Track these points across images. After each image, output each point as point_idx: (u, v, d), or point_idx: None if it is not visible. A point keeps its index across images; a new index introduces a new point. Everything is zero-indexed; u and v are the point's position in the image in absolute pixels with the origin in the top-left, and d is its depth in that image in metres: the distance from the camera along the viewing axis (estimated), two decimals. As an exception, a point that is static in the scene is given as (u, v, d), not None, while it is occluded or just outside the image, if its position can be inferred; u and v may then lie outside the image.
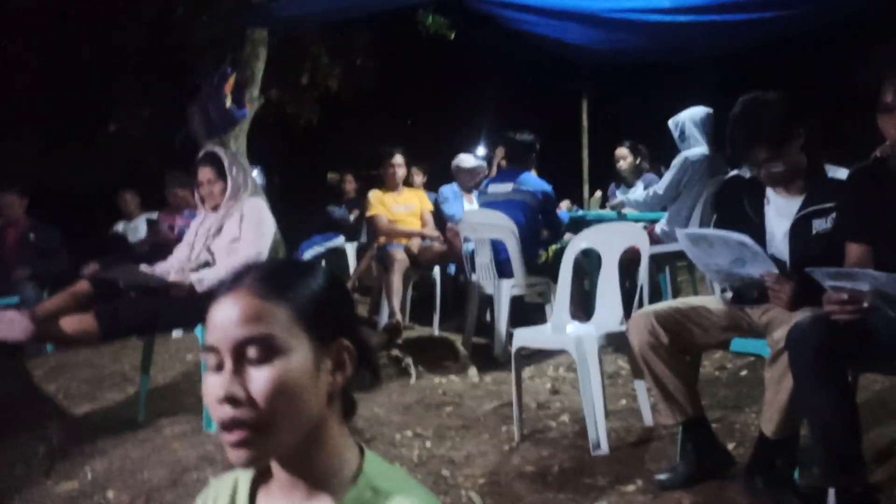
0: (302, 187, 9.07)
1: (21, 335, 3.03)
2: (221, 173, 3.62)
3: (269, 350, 0.91)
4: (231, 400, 0.90)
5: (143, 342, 3.84)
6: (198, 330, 3.46)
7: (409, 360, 4.28)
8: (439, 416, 3.64)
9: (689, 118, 4.65)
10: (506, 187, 4.80)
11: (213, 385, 0.93)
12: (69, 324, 3.18)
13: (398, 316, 4.75)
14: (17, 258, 5.70)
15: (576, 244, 3.58)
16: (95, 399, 4.40)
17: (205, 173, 3.65)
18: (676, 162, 4.63)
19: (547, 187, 4.84)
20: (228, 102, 5.19)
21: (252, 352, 0.91)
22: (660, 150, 5.97)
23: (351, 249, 6.53)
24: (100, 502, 2.82)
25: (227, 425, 0.91)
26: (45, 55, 7.57)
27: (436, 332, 5.14)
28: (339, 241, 6.67)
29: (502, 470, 2.99)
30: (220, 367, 0.93)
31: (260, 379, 0.91)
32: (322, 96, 8.20)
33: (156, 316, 3.35)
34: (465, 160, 5.89)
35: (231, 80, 5.20)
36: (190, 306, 3.39)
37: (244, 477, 1.05)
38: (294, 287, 0.97)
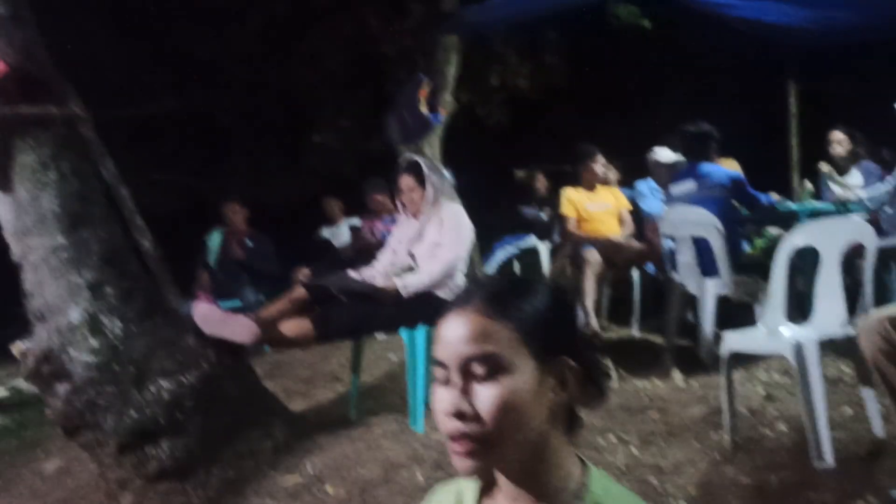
0: (493, 188, 9.15)
1: (249, 338, 3.29)
2: (421, 181, 3.74)
3: (495, 368, 0.94)
4: (458, 415, 0.94)
5: (353, 344, 4.03)
6: (402, 332, 3.58)
7: (608, 363, 4.17)
8: (644, 421, 3.52)
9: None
10: (688, 185, 4.50)
11: (442, 399, 0.96)
12: (289, 327, 3.42)
13: (593, 321, 4.66)
14: (239, 264, 6.22)
15: (791, 241, 3.32)
16: (309, 397, 4.69)
17: (406, 181, 3.78)
18: None
19: (733, 172, 4.53)
20: (423, 109, 5.35)
21: (478, 369, 0.94)
22: (875, 137, 5.44)
23: (544, 249, 6.49)
24: (319, 495, 2.99)
25: (454, 437, 0.94)
26: (255, 76, 8.23)
27: (635, 333, 4.99)
28: (532, 240, 6.66)
29: (715, 480, 2.84)
30: (447, 381, 0.96)
31: (486, 396, 0.93)
32: (511, 96, 8.24)
33: (365, 319, 3.52)
34: (663, 154, 5.66)
35: (425, 87, 5.36)
36: (396, 310, 3.53)
37: (469, 486, 1.08)
38: (520, 306, 0.98)
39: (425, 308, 3.58)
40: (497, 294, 1.00)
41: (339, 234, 6.88)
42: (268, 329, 3.40)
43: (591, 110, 9.94)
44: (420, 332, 3.55)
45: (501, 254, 6.55)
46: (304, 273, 5.64)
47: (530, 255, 6.70)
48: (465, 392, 0.94)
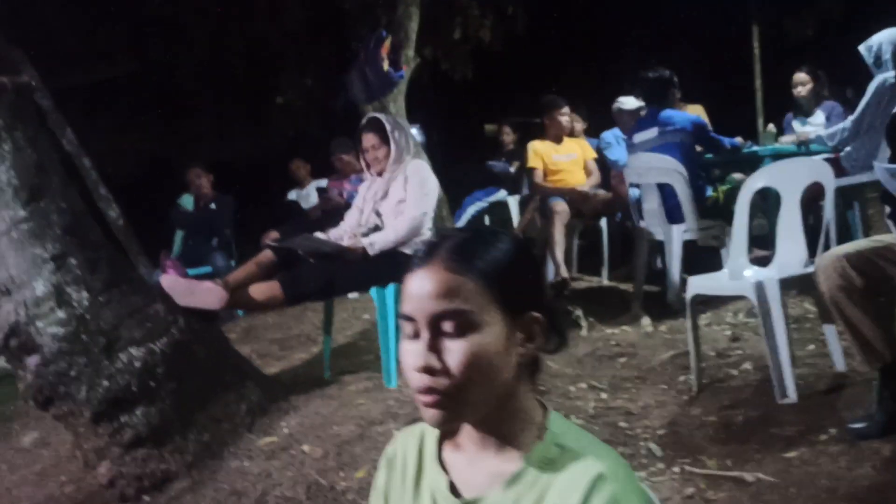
0: (461, 143, 9.14)
1: (217, 303, 3.29)
2: (385, 138, 3.72)
3: (464, 324, 0.95)
4: (427, 369, 0.95)
5: (324, 304, 4.05)
6: (372, 291, 3.60)
7: (578, 312, 4.25)
8: (613, 367, 3.60)
9: (887, 40, 4.16)
10: (651, 133, 4.51)
11: (410, 353, 0.98)
12: (257, 291, 3.42)
13: (563, 270, 4.71)
14: (206, 230, 6.18)
15: (752, 183, 3.37)
16: (284, 359, 4.72)
17: (369, 139, 3.76)
18: (873, 85, 4.18)
19: (694, 116, 4.56)
20: (386, 66, 5.29)
21: (447, 325, 0.95)
22: (840, 81, 5.49)
23: (514, 203, 6.50)
24: (297, 455, 3.02)
25: (422, 391, 0.96)
26: (214, 36, 8.07)
27: (604, 281, 5.06)
28: (502, 194, 6.67)
29: (682, 421, 2.92)
30: (416, 335, 0.97)
31: (455, 351, 0.95)
32: (475, 49, 8.17)
33: (333, 280, 3.52)
34: (627, 102, 5.67)
35: (387, 44, 5.29)
36: (364, 269, 3.55)
37: (431, 430, 1.10)
38: (486, 261, 0.99)
39: (393, 266, 3.59)
40: (463, 248, 1.00)
41: (308, 196, 6.85)
42: (237, 294, 3.40)
43: (555, 60, 9.92)
44: (389, 290, 3.57)
45: (472, 209, 6.56)
46: (271, 236, 5.62)
47: (500, 209, 6.72)
48: (434, 347, 0.95)
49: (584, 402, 3.18)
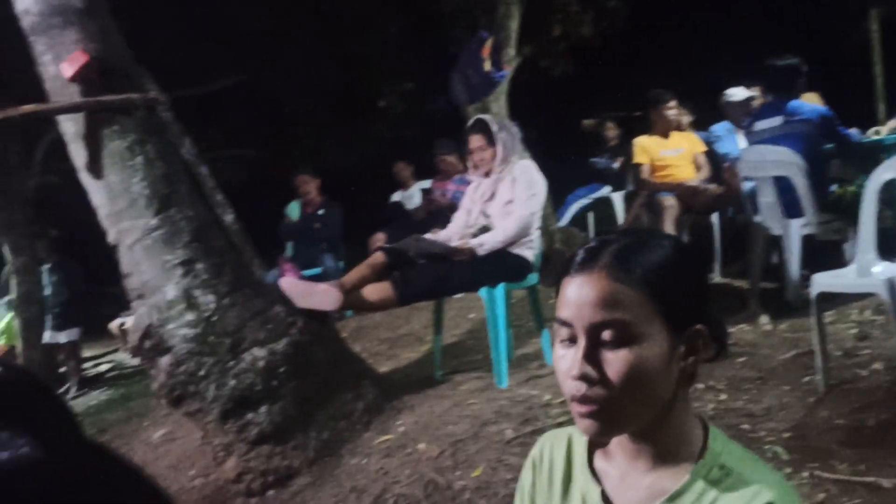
0: (562, 141, 9.07)
1: (334, 305, 3.39)
2: (491, 140, 3.74)
3: (625, 336, 0.92)
4: (585, 378, 0.93)
5: (434, 305, 4.10)
6: (481, 291, 3.63)
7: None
8: (731, 367, 3.49)
9: None
10: (774, 122, 4.33)
11: (565, 358, 0.96)
12: (371, 292, 3.51)
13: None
14: (315, 235, 6.36)
15: (880, 175, 3.20)
16: (393, 358, 4.81)
17: (475, 141, 3.79)
18: None
19: (822, 108, 4.35)
20: (487, 66, 5.30)
21: (607, 335, 0.92)
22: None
23: (618, 199, 6.41)
24: (413, 453, 3.08)
25: (577, 399, 0.94)
26: (314, 45, 8.30)
27: (717, 278, 4.92)
28: (605, 191, 6.59)
29: (809, 423, 2.81)
30: (571, 341, 0.95)
31: (615, 362, 0.92)
32: (574, 45, 8.09)
33: (444, 280, 3.57)
34: (735, 93, 5.49)
35: (488, 44, 5.30)
36: (474, 270, 3.58)
37: (579, 434, 1.08)
38: (651, 270, 0.95)
39: (502, 266, 3.63)
40: (626, 255, 0.95)
41: (411, 197, 6.95)
42: (351, 295, 3.49)
43: (657, 53, 9.69)
44: (499, 290, 3.59)
45: (575, 206, 6.52)
46: (379, 238, 5.74)
47: (604, 206, 6.64)
48: (591, 356, 0.93)
49: (703, 403, 3.10)
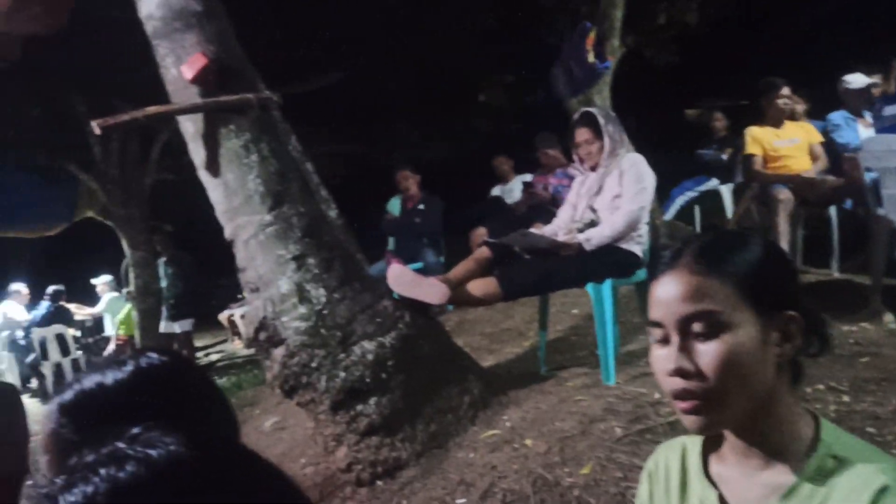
0: (666, 132, 8.83)
1: (440, 299, 3.42)
2: (598, 133, 3.68)
3: (715, 325, 0.93)
4: (681, 373, 0.94)
5: (539, 300, 4.08)
6: (588, 286, 3.58)
7: (809, 307, 3.95)
8: (853, 367, 3.32)
9: None
10: None
11: (661, 358, 0.97)
12: (476, 287, 3.51)
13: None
14: (415, 230, 6.43)
15: None
16: (496, 353, 4.81)
17: (581, 134, 3.73)
18: None
19: None
20: (591, 58, 5.23)
21: (697, 327, 0.94)
22: None
23: (727, 192, 6.20)
24: (520, 448, 3.07)
25: (679, 395, 0.96)
26: (415, 41, 8.36)
27: (835, 274, 4.70)
28: (713, 183, 6.38)
29: (944, 427, 2.65)
30: (665, 340, 0.97)
31: (708, 353, 0.93)
32: (679, 34, 7.87)
33: (550, 276, 3.54)
34: (854, 80, 5.22)
35: (592, 35, 5.23)
36: (580, 265, 3.53)
37: (693, 441, 1.09)
38: (734, 261, 0.97)
39: (610, 261, 3.57)
40: (708, 249, 0.98)
41: (511, 191, 6.93)
42: (456, 290, 3.50)
43: (767, 40, 9.29)
44: (606, 285, 3.53)
45: (681, 199, 6.35)
46: (480, 233, 5.75)
47: (711, 199, 6.44)
48: (685, 350, 0.95)
49: (824, 405, 2.96)
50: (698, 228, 6.61)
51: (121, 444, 0.59)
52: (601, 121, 3.69)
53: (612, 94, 6.24)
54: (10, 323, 10.15)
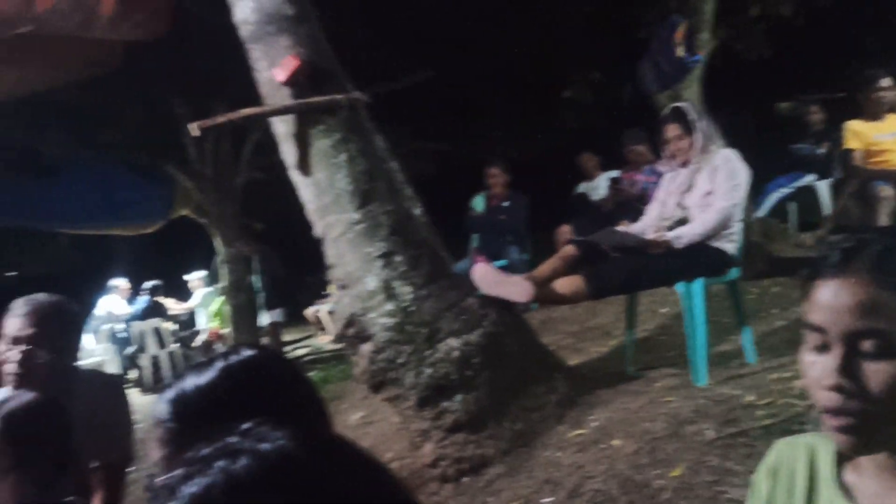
0: (759, 127, 8.55)
1: (525, 297, 3.41)
2: (688, 128, 3.60)
3: (889, 347, 0.85)
4: (839, 389, 0.87)
5: (627, 299, 4.02)
6: (678, 286, 3.51)
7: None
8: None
9: None
10: None
11: (817, 367, 0.90)
12: (562, 286, 3.49)
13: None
14: (500, 227, 6.43)
15: None
16: (581, 352, 4.77)
17: (671, 130, 3.66)
18: None
19: None
20: (680, 51, 5.11)
21: (868, 345, 0.86)
22: None
23: (824, 188, 5.96)
24: (607, 449, 3.04)
25: (833, 411, 0.89)
26: (501, 38, 8.35)
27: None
28: (809, 179, 6.15)
29: None
30: (823, 348, 0.90)
31: (876, 375, 0.86)
32: (773, 25, 7.58)
33: (638, 274, 3.49)
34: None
35: (681, 29, 5.11)
36: (670, 263, 3.47)
37: (823, 444, 1.03)
38: None
39: (701, 260, 3.49)
40: (890, 258, 0.88)
41: (597, 188, 6.84)
42: (542, 288, 3.49)
43: (865, 30, 8.87)
44: (697, 285, 3.45)
45: (775, 196, 6.14)
46: (565, 231, 5.70)
47: (807, 196, 6.20)
48: (848, 366, 0.87)
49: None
50: (794, 226, 6.38)
51: (233, 439, 0.62)
52: (692, 116, 3.61)
53: (703, 88, 6.08)
54: (111, 316, 10.66)
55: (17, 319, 2.19)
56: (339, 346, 8.39)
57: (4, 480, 1.75)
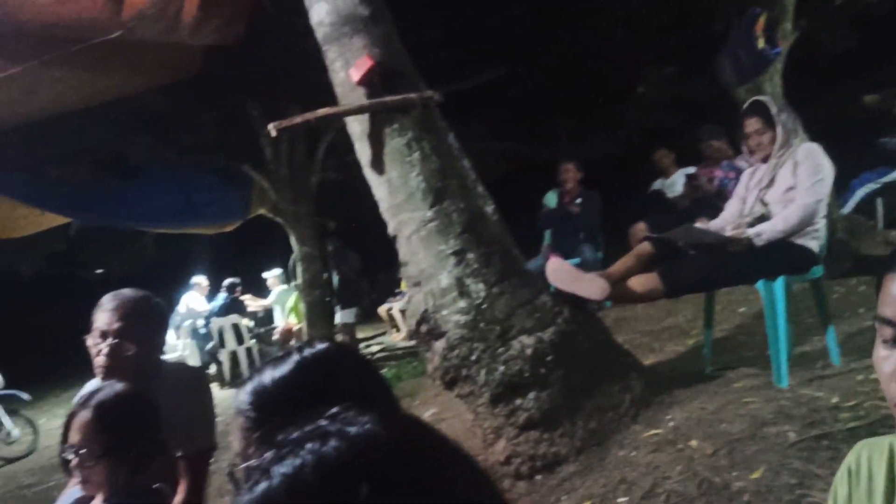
0: (844, 120, 8.23)
1: (600, 294, 3.37)
2: (770, 122, 3.50)
3: None
4: None
5: (705, 297, 3.94)
6: (758, 284, 3.41)
7: None
8: None
9: None
10: None
11: (889, 361, 0.89)
12: (637, 283, 3.44)
13: None
14: (573, 225, 6.37)
15: None
16: (657, 351, 4.69)
17: (752, 124, 3.56)
18: None
19: None
20: (761, 43, 4.96)
21: None
22: None
23: (914, 182, 5.72)
24: (685, 449, 2.98)
25: None
26: (569, 36, 8.27)
27: None
28: (897, 175, 5.91)
29: None
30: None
31: None
32: (858, 15, 7.30)
33: (716, 272, 3.41)
34: None
35: (761, 20, 4.96)
36: (750, 261, 3.38)
37: None
38: None
39: (783, 257, 3.39)
40: None
41: (673, 185, 6.71)
42: (617, 286, 3.44)
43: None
44: (778, 283, 3.35)
45: (861, 192, 5.91)
46: (640, 228, 5.61)
47: (894, 192, 5.95)
48: None
49: None
50: (881, 223, 6.13)
51: (323, 422, 0.63)
52: (773, 109, 3.51)
53: (784, 81, 5.89)
54: (192, 313, 11.00)
55: (105, 314, 2.28)
56: (411, 343, 8.48)
57: (96, 467, 1.83)
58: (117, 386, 1.96)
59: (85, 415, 1.86)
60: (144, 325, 2.33)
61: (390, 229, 3.62)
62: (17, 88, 5.05)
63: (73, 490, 1.98)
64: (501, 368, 3.25)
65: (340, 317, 9.20)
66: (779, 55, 5.42)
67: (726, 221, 3.62)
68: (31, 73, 4.78)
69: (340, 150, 7.17)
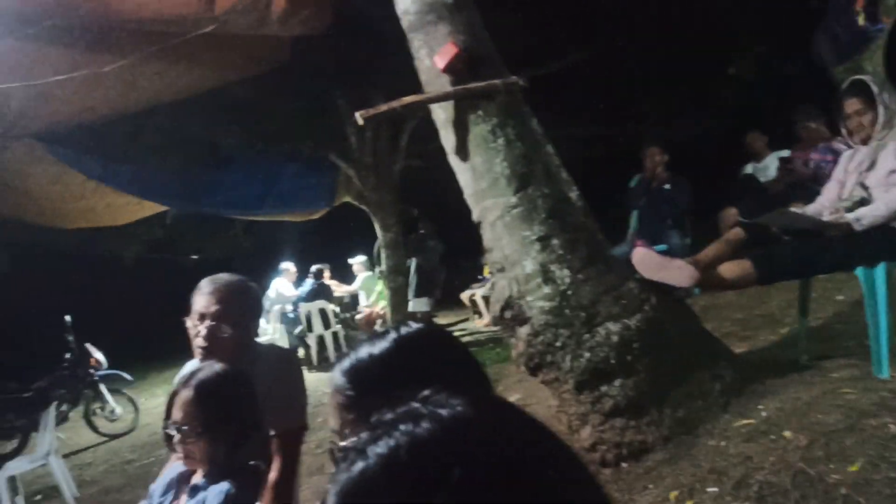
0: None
1: (688, 281, 3.31)
2: (871, 102, 3.34)
3: None
4: None
5: (800, 284, 3.81)
6: (858, 271, 3.27)
7: None
8: None
9: None
10: None
11: None
12: (728, 270, 3.35)
13: None
14: (660, 210, 6.24)
15: None
16: (748, 339, 4.56)
17: (852, 104, 3.41)
18: None
19: None
20: (861, 20, 4.72)
21: None
22: None
23: None
24: (778, 440, 2.90)
25: None
26: (657, 10, 8.06)
27: None
28: None
29: None
30: None
31: None
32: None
33: (813, 258, 3.29)
34: None
35: (864, -6, 4.73)
36: (848, 247, 3.25)
37: None
38: None
39: (884, 243, 3.24)
40: None
41: (766, 168, 6.49)
42: (706, 273, 3.37)
43: None
44: (879, 269, 3.21)
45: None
46: (731, 213, 5.46)
47: None
48: None
49: None
50: None
51: (416, 404, 0.66)
52: (875, 89, 3.35)
53: (887, 59, 5.60)
54: (281, 298, 11.32)
55: (203, 297, 2.38)
56: (493, 329, 8.50)
57: (197, 443, 1.92)
58: (216, 366, 2.05)
59: (187, 393, 1.95)
60: (240, 308, 2.42)
61: (474, 215, 3.64)
62: (119, 83, 5.29)
63: (176, 464, 2.09)
64: (587, 355, 3.23)
65: (413, 305, 9.31)
66: (882, 32, 5.16)
67: (823, 206, 3.49)
68: (131, 68, 4.99)
69: (423, 137, 7.21)
